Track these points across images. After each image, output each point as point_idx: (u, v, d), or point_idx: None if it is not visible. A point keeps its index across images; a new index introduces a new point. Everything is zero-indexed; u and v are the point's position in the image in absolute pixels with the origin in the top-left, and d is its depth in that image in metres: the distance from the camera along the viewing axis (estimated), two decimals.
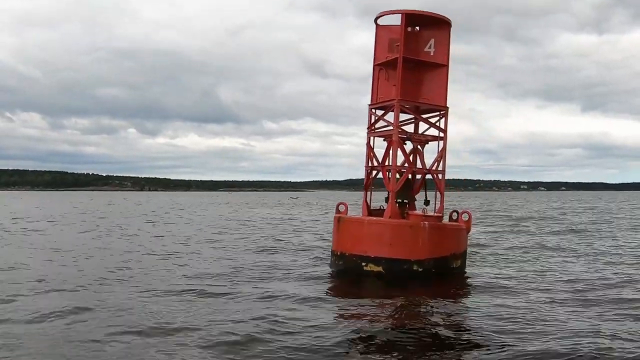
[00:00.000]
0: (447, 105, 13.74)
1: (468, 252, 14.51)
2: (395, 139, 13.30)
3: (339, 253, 13.56)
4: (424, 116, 14.12)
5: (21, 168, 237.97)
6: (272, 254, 17.68)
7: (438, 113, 13.91)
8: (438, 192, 13.92)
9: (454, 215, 14.00)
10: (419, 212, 13.43)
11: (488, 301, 10.64)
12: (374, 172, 14.33)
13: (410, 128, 14.26)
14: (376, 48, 14.19)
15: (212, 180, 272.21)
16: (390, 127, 13.63)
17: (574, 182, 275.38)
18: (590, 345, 7.57)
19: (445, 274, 12.91)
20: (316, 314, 9.43)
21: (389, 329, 8.66)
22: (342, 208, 14.23)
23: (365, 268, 12.76)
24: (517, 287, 11.98)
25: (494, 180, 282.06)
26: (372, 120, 14.21)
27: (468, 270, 13.99)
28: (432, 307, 10.32)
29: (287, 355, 7.26)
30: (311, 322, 8.79)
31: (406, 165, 13.64)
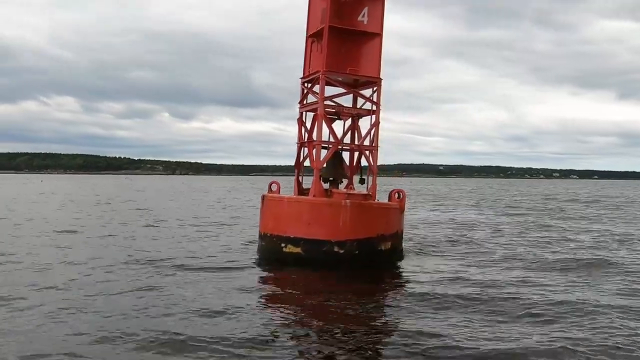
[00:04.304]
0: (381, 77, 12.88)
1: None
2: (320, 112, 12.52)
3: (262, 234, 12.92)
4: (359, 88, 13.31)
5: (54, 152, 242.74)
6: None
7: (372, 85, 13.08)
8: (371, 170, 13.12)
9: (397, 196, 13.17)
10: (343, 190, 12.68)
11: (398, 292, 9.95)
12: (306, 149, 13.60)
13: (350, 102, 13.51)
14: (309, 19, 13.43)
15: (243, 165, 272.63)
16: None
17: (607, 171, 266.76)
18: None
19: (372, 256, 12.11)
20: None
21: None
22: (274, 187, 13.54)
23: (284, 249, 12.09)
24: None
25: (527, 168, 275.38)
26: (303, 94, 13.48)
27: (405, 254, 13.21)
28: (330, 293, 9.67)
29: None
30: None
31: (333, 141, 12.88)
